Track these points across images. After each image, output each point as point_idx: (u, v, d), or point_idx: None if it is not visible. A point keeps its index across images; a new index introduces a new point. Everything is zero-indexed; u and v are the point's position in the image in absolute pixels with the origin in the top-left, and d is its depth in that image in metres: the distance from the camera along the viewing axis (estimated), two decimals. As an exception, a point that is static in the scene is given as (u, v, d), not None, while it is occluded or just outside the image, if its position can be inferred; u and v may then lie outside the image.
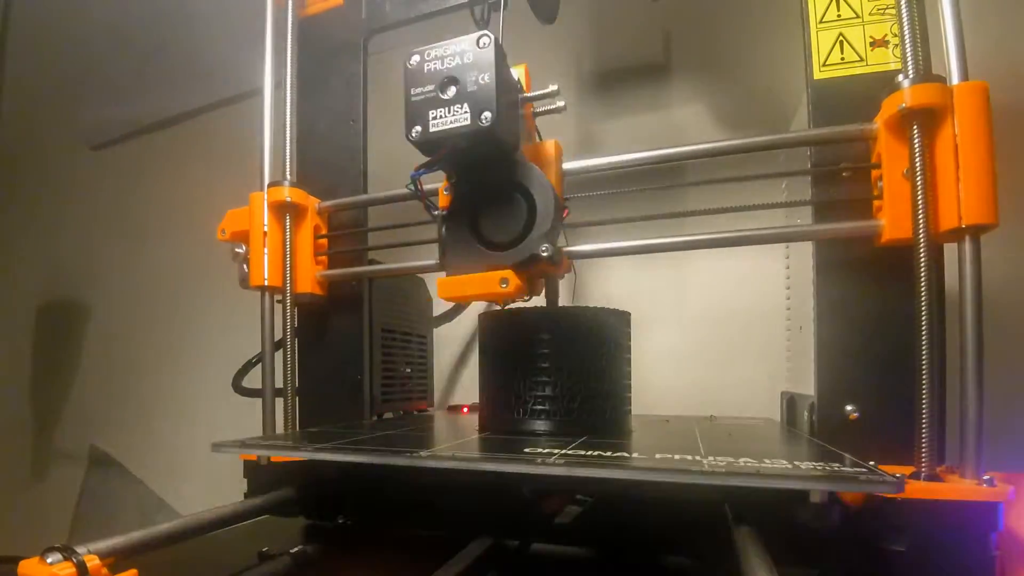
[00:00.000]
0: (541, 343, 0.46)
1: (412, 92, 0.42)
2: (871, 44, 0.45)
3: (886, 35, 0.44)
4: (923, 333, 0.37)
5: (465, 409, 0.73)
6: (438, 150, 0.43)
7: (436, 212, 0.48)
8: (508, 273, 0.43)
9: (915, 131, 0.38)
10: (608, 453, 0.35)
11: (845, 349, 0.44)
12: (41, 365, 1.39)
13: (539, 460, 0.33)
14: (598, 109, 0.84)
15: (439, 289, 0.46)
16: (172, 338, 1.20)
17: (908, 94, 0.38)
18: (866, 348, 0.44)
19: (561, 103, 0.47)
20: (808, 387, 0.48)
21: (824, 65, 0.46)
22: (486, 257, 0.44)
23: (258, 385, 0.60)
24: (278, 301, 0.58)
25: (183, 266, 1.17)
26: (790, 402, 0.57)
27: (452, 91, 0.41)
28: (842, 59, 0.45)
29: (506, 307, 0.51)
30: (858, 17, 0.45)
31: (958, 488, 0.36)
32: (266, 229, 0.58)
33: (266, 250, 0.57)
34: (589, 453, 0.35)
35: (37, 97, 1.41)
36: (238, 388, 0.75)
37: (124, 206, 1.28)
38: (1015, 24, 0.62)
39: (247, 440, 0.46)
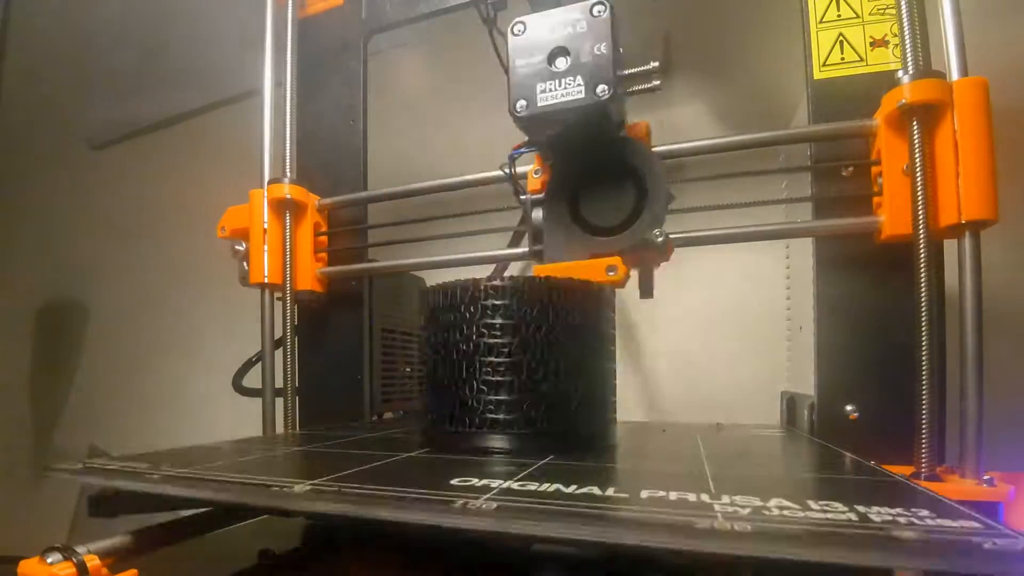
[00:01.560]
0: (494, 328, 0.36)
1: (517, 63, 0.39)
2: (871, 44, 0.45)
3: (886, 35, 0.44)
4: (923, 331, 0.37)
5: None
6: (544, 126, 0.39)
7: (524, 196, 0.45)
8: (615, 260, 0.39)
9: (915, 127, 0.38)
10: (571, 488, 0.25)
11: (845, 349, 0.44)
12: (41, 365, 1.39)
13: (459, 503, 0.23)
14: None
15: None
16: (172, 338, 1.19)
17: (908, 90, 0.38)
18: (866, 348, 0.44)
19: (657, 81, 0.42)
20: (808, 387, 0.48)
21: (824, 65, 0.46)
22: (589, 243, 0.40)
23: (258, 385, 0.60)
24: (278, 298, 0.58)
25: (183, 266, 1.17)
26: (790, 402, 0.57)
27: (564, 62, 0.38)
28: (842, 59, 0.45)
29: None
30: (858, 17, 0.45)
31: (958, 488, 0.36)
32: (266, 226, 0.58)
33: (266, 247, 0.57)
34: (541, 488, 0.25)
35: (37, 97, 1.40)
36: (238, 387, 0.75)
37: (124, 206, 1.28)
38: (1015, 22, 0.62)
39: (89, 463, 0.34)
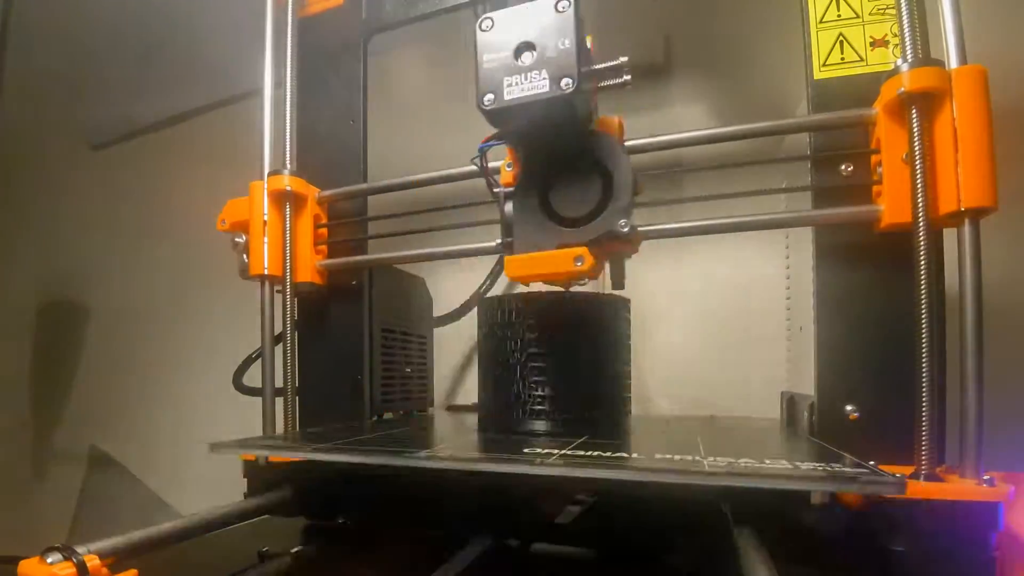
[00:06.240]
0: (538, 339, 0.46)
1: (485, 59, 0.40)
2: (871, 44, 0.45)
3: (886, 35, 0.44)
4: (923, 327, 0.37)
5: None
6: (511, 119, 0.40)
7: (498, 189, 0.46)
8: (582, 251, 0.40)
9: (914, 115, 0.38)
10: (608, 454, 0.35)
11: (845, 348, 0.44)
12: (41, 365, 1.39)
13: (538, 460, 0.33)
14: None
15: (507, 268, 0.42)
16: (172, 338, 1.19)
17: (907, 78, 0.38)
18: (866, 346, 0.44)
19: (628, 76, 0.42)
20: (808, 387, 0.48)
21: (824, 65, 0.46)
22: (558, 234, 0.41)
23: (258, 384, 0.60)
24: (278, 291, 0.58)
25: (183, 266, 1.17)
26: (790, 402, 0.57)
27: (529, 57, 0.39)
28: (842, 59, 0.45)
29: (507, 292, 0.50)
30: (858, 17, 0.45)
31: (958, 488, 0.36)
32: (266, 218, 0.57)
33: (266, 239, 0.57)
34: (588, 453, 0.35)
35: (37, 97, 1.40)
36: (239, 386, 0.75)
37: (124, 206, 1.28)
38: (1015, 14, 0.62)
39: (246, 440, 0.46)
